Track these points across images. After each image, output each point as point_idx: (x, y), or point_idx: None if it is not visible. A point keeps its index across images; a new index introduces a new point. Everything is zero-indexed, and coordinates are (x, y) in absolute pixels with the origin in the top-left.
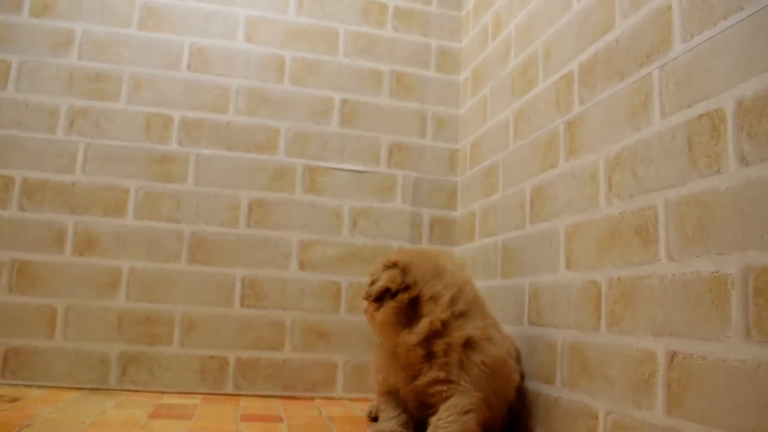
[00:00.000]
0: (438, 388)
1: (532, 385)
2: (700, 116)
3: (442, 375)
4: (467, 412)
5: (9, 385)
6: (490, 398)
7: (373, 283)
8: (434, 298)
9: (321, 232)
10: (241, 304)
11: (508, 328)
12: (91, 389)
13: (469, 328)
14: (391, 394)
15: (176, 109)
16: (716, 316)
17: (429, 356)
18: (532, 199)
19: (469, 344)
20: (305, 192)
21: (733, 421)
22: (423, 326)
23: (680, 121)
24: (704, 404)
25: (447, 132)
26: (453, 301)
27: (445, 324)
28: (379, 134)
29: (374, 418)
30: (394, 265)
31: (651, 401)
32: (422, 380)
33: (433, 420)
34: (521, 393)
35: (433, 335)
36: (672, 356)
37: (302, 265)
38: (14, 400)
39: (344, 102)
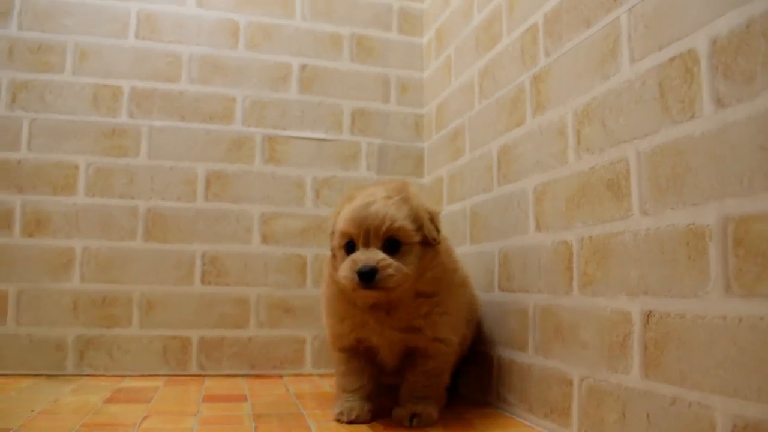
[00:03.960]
0: (432, 346)
1: (505, 353)
2: (672, 59)
3: (438, 333)
4: (442, 373)
5: None
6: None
7: (420, 223)
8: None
9: (283, 203)
10: (202, 282)
11: (478, 296)
12: (48, 376)
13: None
14: (350, 351)
15: (125, 80)
16: (694, 271)
17: (429, 303)
18: (499, 159)
19: (463, 283)
20: (265, 162)
21: (714, 381)
22: (434, 269)
23: (651, 66)
24: (683, 365)
25: (411, 96)
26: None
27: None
28: (340, 100)
29: None
30: (407, 194)
31: (627, 364)
32: (418, 337)
33: (410, 380)
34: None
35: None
36: (648, 316)
37: (265, 239)
38: None
39: (303, 67)
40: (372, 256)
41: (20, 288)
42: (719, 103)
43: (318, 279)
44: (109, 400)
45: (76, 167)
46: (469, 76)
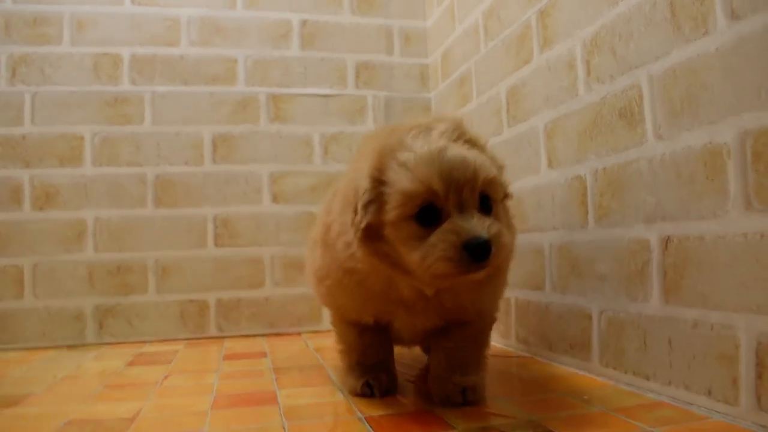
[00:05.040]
0: (472, 317)
1: (522, 294)
2: None
3: (484, 306)
4: (486, 335)
5: None
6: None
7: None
8: None
9: (291, 162)
10: (216, 244)
11: None
12: (69, 346)
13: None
14: (363, 326)
15: (125, 47)
16: (712, 191)
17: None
18: (508, 101)
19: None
20: (271, 122)
21: (737, 300)
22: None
23: None
24: (704, 287)
25: (416, 47)
26: None
27: None
28: (344, 54)
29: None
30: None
31: (646, 292)
32: (458, 315)
33: (448, 346)
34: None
35: None
36: (666, 241)
37: (275, 198)
38: None
39: (303, 23)
40: (480, 222)
41: (35, 261)
42: (733, 15)
43: None
44: (131, 364)
45: (82, 138)
46: (473, 20)
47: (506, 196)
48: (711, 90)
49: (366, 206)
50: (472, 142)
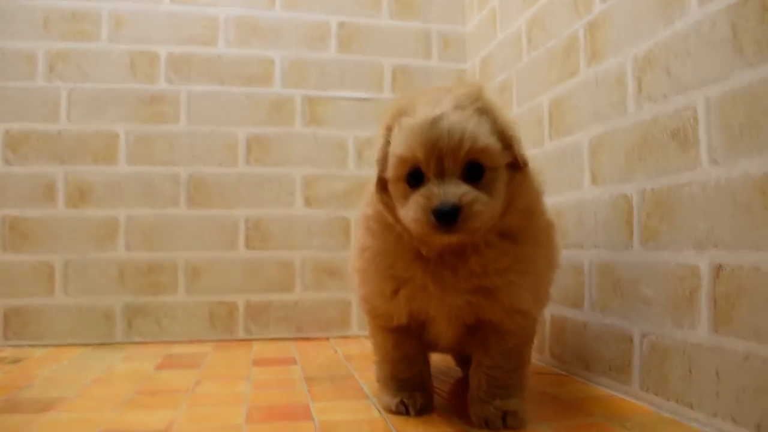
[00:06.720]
0: (508, 320)
1: (558, 311)
2: None
3: (518, 302)
4: (525, 353)
5: (12, 346)
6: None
7: (508, 141)
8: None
9: (325, 165)
10: (247, 247)
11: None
12: (98, 344)
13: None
14: (400, 331)
15: (162, 45)
16: None
17: (510, 254)
18: (551, 112)
19: (549, 230)
20: (306, 124)
21: None
22: (525, 196)
23: (722, 6)
24: (757, 319)
25: (454, 51)
26: None
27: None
28: (381, 58)
29: None
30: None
31: (694, 320)
32: (490, 304)
33: (487, 364)
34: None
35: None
36: (718, 269)
37: (308, 202)
38: (16, 361)
39: (341, 25)
40: (452, 189)
41: (67, 259)
42: None
43: None
44: (160, 367)
45: (117, 136)
46: (516, 28)
47: (523, 161)
48: None
49: (378, 163)
50: (483, 111)
